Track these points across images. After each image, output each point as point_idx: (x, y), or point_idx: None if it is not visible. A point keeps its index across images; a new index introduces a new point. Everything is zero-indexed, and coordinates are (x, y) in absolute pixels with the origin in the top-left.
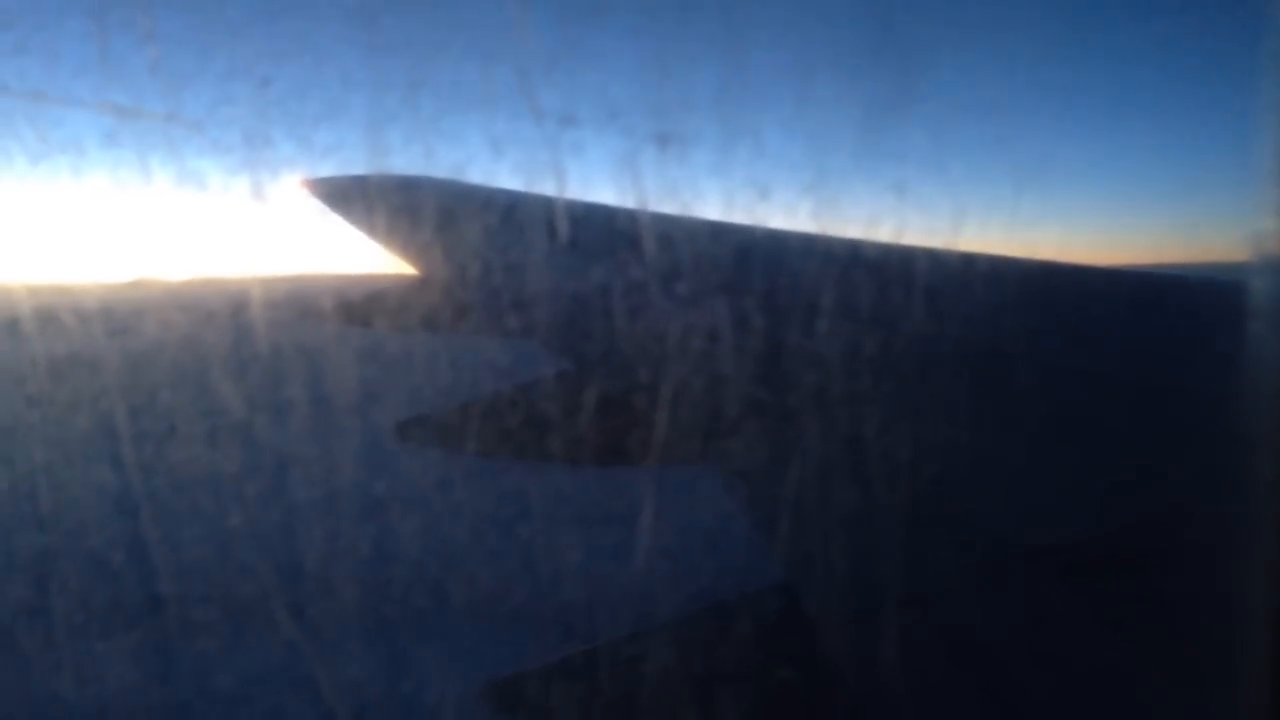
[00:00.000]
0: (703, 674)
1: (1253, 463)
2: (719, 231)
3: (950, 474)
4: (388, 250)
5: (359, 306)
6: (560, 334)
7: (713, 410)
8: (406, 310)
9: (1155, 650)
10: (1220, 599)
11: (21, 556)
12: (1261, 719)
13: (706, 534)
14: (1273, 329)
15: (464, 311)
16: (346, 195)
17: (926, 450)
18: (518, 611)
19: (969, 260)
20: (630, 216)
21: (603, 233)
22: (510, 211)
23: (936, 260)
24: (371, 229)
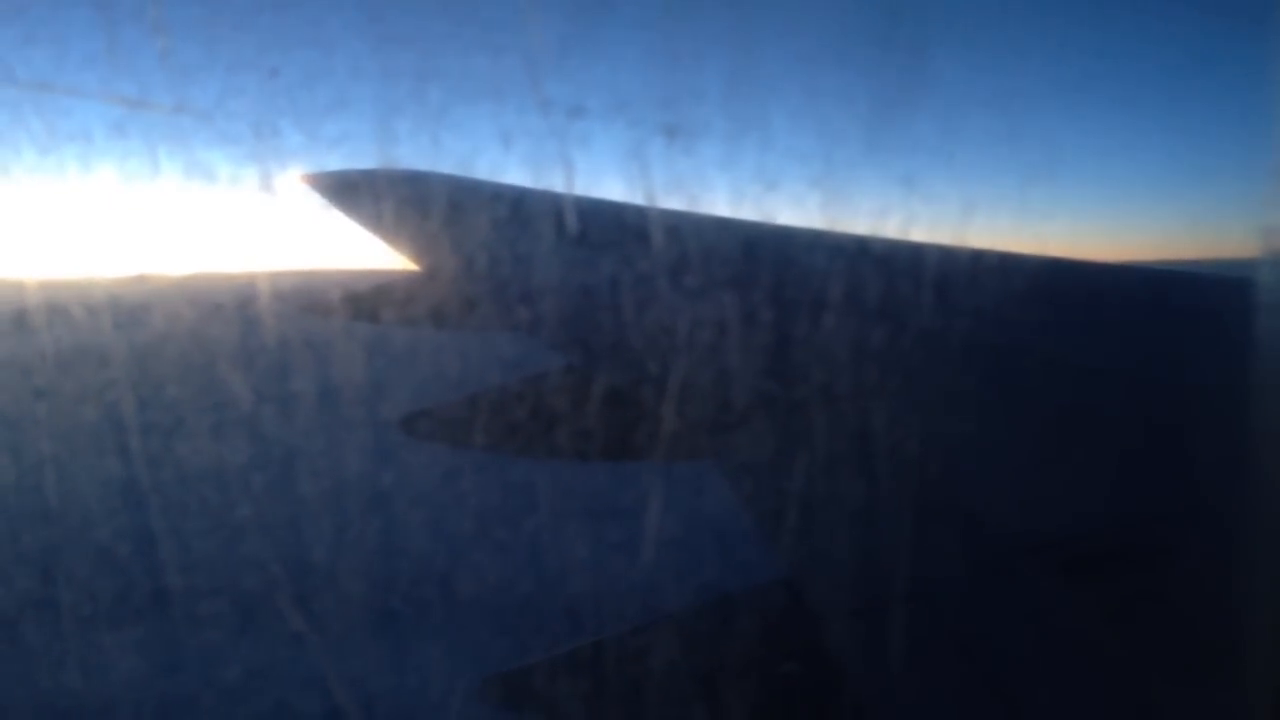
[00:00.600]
0: (705, 668)
1: (1260, 458)
2: (723, 227)
3: (954, 469)
4: (390, 245)
5: (364, 301)
6: (564, 328)
7: (718, 404)
8: (411, 305)
9: (1158, 646)
10: (1224, 595)
11: (29, 550)
12: (1265, 714)
13: (710, 529)
14: None
15: (465, 306)
16: (347, 190)
17: (931, 446)
18: (521, 605)
19: (973, 256)
20: (634, 212)
21: (606, 228)
22: (512, 206)
23: (940, 255)
24: (372, 224)
